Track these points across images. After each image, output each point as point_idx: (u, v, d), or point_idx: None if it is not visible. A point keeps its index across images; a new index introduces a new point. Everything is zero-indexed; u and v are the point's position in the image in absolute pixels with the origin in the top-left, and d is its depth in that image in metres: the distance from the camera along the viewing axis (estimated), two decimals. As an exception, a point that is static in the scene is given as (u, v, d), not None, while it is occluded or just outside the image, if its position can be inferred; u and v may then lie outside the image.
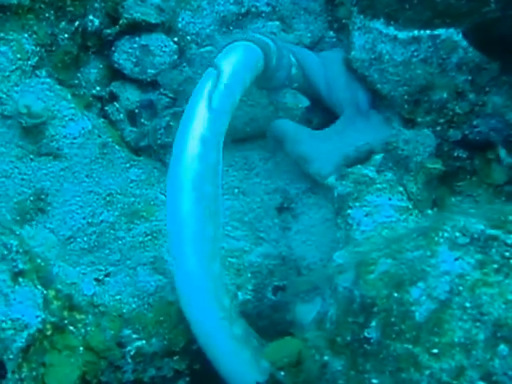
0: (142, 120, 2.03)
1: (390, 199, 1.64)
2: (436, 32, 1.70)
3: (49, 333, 1.52)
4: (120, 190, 1.93)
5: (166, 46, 2.01)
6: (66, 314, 1.59)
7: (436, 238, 1.10)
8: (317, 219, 1.93)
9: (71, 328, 1.58)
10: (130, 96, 2.04)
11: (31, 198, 1.88)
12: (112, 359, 1.63)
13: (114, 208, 1.90)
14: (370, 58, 1.81)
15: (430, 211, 1.65)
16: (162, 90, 2.02)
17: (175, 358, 1.68)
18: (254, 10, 2.04)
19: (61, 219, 1.87)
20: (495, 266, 1.06)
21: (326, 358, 1.14)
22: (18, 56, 1.97)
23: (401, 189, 1.67)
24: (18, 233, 1.60)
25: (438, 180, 1.73)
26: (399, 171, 1.69)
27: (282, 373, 1.30)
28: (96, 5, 2.03)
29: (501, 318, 1.01)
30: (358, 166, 1.73)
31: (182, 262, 1.52)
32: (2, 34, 1.95)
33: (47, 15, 2.01)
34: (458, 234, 1.10)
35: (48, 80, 1.99)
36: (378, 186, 1.66)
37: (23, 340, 1.46)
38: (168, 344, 1.66)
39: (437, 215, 1.48)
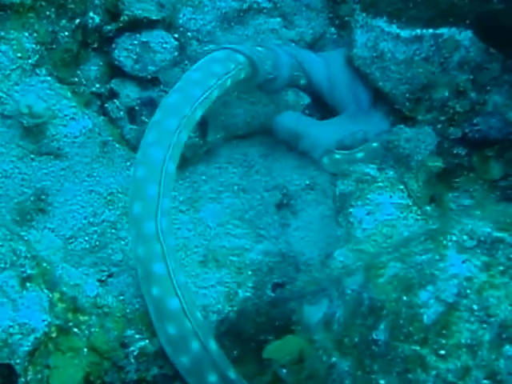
0: (143, 117, 2.04)
1: (391, 197, 1.67)
2: (438, 31, 1.73)
3: (54, 335, 1.54)
4: (121, 189, 1.94)
5: (166, 43, 2.02)
6: (70, 316, 1.60)
7: (444, 242, 1.13)
8: (315, 216, 1.96)
9: (75, 330, 1.59)
10: (131, 93, 2.05)
11: (32, 198, 1.89)
12: (115, 360, 1.64)
13: (115, 207, 1.91)
14: (372, 56, 1.83)
15: (428, 207, 1.69)
16: (162, 87, 2.03)
17: (177, 356, 1.70)
18: (255, 6, 2.06)
19: (62, 219, 1.88)
20: (501, 267, 1.10)
21: (333, 358, 1.17)
22: (19, 55, 1.98)
23: (402, 187, 1.70)
24: (26, 238, 1.61)
25: (436, 177, 1.76)
26: (400, 169, 1.72)
27: (284, 370, 1.33)
28: (96, 1, 2.04)
29: (507, 319, 1.04)
30: (360, 164, 1.76)
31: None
32: (3, 33, 1.95)
33: (48, 13, 2.01)
34: (465, 237, 1.13)
35: (48, 78, 2.00)
36: (380, 184, 1.69)
37: (30, 344, 1.48)
38: (171, 343, 1.68)
39: (444, 218, 1.51)
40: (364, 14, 1.82)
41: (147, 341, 1.66)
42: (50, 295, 1.54)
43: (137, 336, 1.66)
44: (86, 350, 1.59)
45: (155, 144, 1.68)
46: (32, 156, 1.93)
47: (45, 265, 1.57)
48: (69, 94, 2.00)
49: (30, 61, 1.99)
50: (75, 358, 1.57)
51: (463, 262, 1.11)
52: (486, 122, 1.73)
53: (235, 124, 2.02)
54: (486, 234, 1.13)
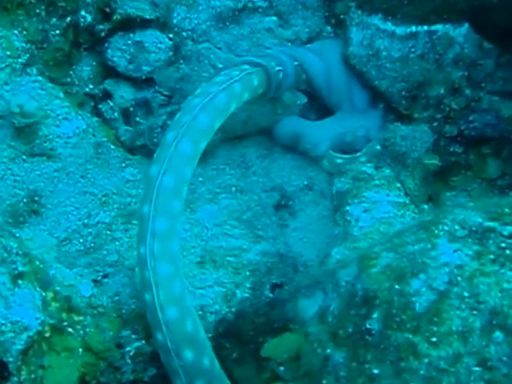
0: (137, 118, 2.08)
1: (387, 195, 1.73)
2: (433, 28, 1.79)
3: (47, 335, 1.57)
4: (116, 190, 1.98)
5: (161, 43, 2.07)
6: (64, 315, 1.62)
7: (436, 231, 1.21)
8: (314, 216, 2.00)
9: (70, 330, 1.62)
10: (125, 94, 2.10)
11: (24, 200, 1.92)
12: (111, 360, 1.68)
13: (110, 208, 1.95)
14: (368, 54, 1.89)
15: (425, 206, 1.76)
16: (157, 87, 2.08)
17: (174, 358, 1.74)
18: (250, 5, 2.10)
19: (55, 221, 1.92)
20: (492, 256, 1.17)
21: (328, 350, 1.24)
22: (8, 53, 2.02)
23: (398, 185, 1.77)
24: (17, 235, 1.63)
25: (433, 175, 1.83)
26: (397, 167, 1.79)
27: (282, 368, 1.39)
28: (88, 0, 2.07)
29: (497, 305, 1.11)
30: (357, 162, 1.82)
31: None
32: (-9, 31, 1.99)
33: (38, 11, 2.05)
34: (457, 226, 1.21)
35: (39, 78, 2.05)
36: (377, 182, 1.76)
37: (23, 342, 1.51)
38: (167, 344, 1.73)
39: (437, 210, 1.58)
40: (359, 12, 1.88)
41: (143, 341, 1.70)
42: (43, 294, 1.57)
43: (133, 336, 1.70)
44: (81, 350, 1.62)
45: (154, 161, 1.62)
46: (24, 157, 1.97)
47: (37, 263, 1.60)
48: (61, 95, 2.04)
49: (20, 60, 2.03)
50: (70, 358, 1.60)
51: (455, 251, 1.18)
52: (481, 119, 1.79)
53: (232, 125, 2.04)
54: (477, 223, 1.20)
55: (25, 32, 2.06)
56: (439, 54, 1.80)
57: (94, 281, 1.78)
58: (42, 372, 1.57)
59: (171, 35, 2.10)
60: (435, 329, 1.14)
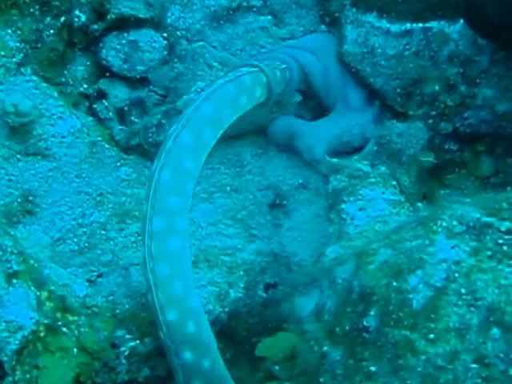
0: (132, 118, 2.08)
1: (383, 193, 1.72)
2: (428, 25, 1.79)
3: (42, 335, 1.56)
4: (111, 190, 1.97)
5: (155, 42, 2.07)
6: (59, 315, 1.62)
7: (434, 227, 1.19)
8: (308, 215, 1.99)
9: (64, 329, 1.62)
10: (119, 93, 2.09)
11: (19, 200, 1.91)
12: (106, 360, 1.67)
13: (104, 208, 1.94)
14: (363, 52, 1.88)
15: (420, 204, 1.75)
16: (151, 86, 2.07)
17: (169, 357, 1.73)
18: (245, 4, 2.10)
19: (50, 221, 1.91)
20: (489, 252, 1.16)
21: (325, 348, 1.23)
22: (2, 53, 2.01)
23: (394, 182, 1.76)
24: (12, 233, 1.64)
25: (428, 173, 1.82)
26: (392, 164, 1.78)
27: (277, 367, 1.38)
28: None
29: (494, 302, 1.10)
30: (352, 159, 1.81)
31: None
32: (-16, 31, 1.98)
33: (32, 10, 2.05)
34: (455, 222, 1.19)
35: (34, 78, 2.04)
36: (372, 179, 1.75)
37: (17, 342, 1.51)
38: (162, 344, 1.72)
39: (435, 205, 1.57)
40: (354, 10, 1.88)
41: (138, 341, 1.69)
42: (38, 293, 1.57)
43: (127, 336, 1.69)
44: (75, 350, 1.62)
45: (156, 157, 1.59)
46: (19, 156, 1.96)
47: (32, 262, 1.60)
48: (55, 94, 2.03)
49: (14, 59, 2.02)
50: (65, 358, 1.60)
51: (452, 247, 1.17)
52: (476, 116, 1.78)
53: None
54: (475, 219, 1.19)
55: (19, 32, 2.05)
56: (434, 51, 1.79)
57: (89, 280, 1.77)
58: (36, 372, 1.57)
59: (166, 34, 2.09)
60: (432, 326, 1.12)
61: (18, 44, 2.04)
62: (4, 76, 2.01)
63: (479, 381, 1.09)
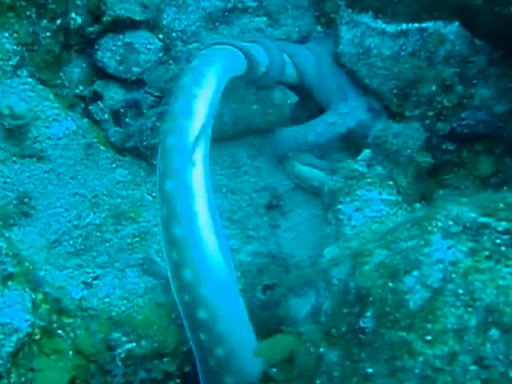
0: (127, 120, 2.07)
1: (380, 193, 1.70)
2: (424, 25, 1.77)
3: (37, 337, 1.55)
4: (106, 192, 1.96)
5: (150, 44, 2.06)
6: (54, 317, 1.61)
7: (430, 228, 1.17)
8: (305, 216, 1.98)
9: (60, 332, 1.61)
10: (115, 95, 2.08)
11: (14, 202, 1.90)
12: (102, 363, 1.66)
13: (100, 210, 1.93)
14: (358, 53, 1.87)
15: (418, 205, 1.73)
16: (147, 88, 2.06)
17: (165, 360, 1.71)
18: (240, 5, 2.09)
19: (45, 223, 1.89)
20: (486, 253, 1.13)
21: (321, 350, 1.20)
22: (-1, 56, 2.01)
23: (391, 183, 1.74)
24: (7, 235, 1.62)
25: (426, 173, 1.80)
26: (389, 165, 1.76)
27: (274, 369, 1.35)
28: (78, 2, 2.06)
29: (492, 303, 1.08)
30: (349, 160, 1.80)
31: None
32: (-19, 34, 1.98)
33: (28, 13, 2.04)
34: (451, 222, 1.17)
35: (30, 80, 2.03)
36: (369, 180, 1.73)
37: (12, 344, 1.49)
38: (158, 346, 1.69)
39: (430, 205, 1.55)
40: (349, 10, 1.87)
41: (134, 343, 1.67)
42: (33, 295, 1.55)
43: (123, 339, 1.68)
44: (71, 352, 1.61)
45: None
46: (14, 158, 1.95)
47: (27, 264, 1.58)
48: (51, 96, 2.02)
49: (10, 62, 2.02)
50: (60, 360, 1.59)
51: (448, 247, 1.14)
52: (473, 116, 1.77)
53: (222, 124, 2.04)
54: (471, 219, 1.17)
55: (15, 34, 2.05)
56: (430, 52, 1.78)
57: (84, 283, 1.75)
58: (31, 375, 1.56)
59: (161, 36, 2.09)
60: (430, 327, 1.10)
61: (15, 47, 2.04)
62: (0, 78, 2.01)
63: (478, 383, 1.06)
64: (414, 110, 1.83)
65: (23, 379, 1.53)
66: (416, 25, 1.78)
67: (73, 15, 2.06)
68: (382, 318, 1.13)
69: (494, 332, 1.07)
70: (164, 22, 2.09)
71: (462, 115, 1.79)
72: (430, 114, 1.82)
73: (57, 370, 1.59)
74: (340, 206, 1.68)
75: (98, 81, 2.11)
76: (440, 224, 1.17)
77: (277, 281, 1.82)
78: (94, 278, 1.78)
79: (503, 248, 1.13)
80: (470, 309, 1.09)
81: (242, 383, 1.60)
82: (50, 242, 1.87)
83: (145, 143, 2.01)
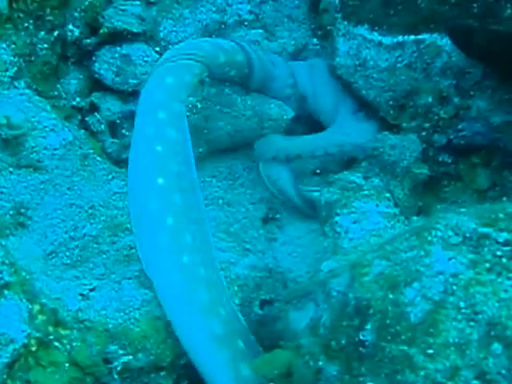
0: (124, 131, 2.06)
1: (377, 205, 1.68)
2: (420, 37, 1.76)
3: (34, 348, 1.52)
4: (102, 203, 1.94)
5: (147, 56, 2.05)
6: (51, 329, 1.58)
7: (429, 238, 1.14)
8: (303, 229, 1.97)
9: (56, 344, 1.58)
10: (111, 107, 2.07)
11: (11, 212, 1.87)
12: (98, 375, 1.62)
13: (96, 221, 1.91)
14: (355, 65, 1.86)
15: (415, 218, 1.70)
16: (143, 100, 2.05)
17: (162, 373, 1.68)
18: (236, 18, 2.09)
19: (42, 234, 1.87)
20: (487, 264, 1.10)
21: (320, 363, 1.17)
22: (-4, 67, 2.00)
23: (388, 195, 1.72)
24: (3, 243, 1.60)
25: (423, 186, 1.78)
26: (386, 177, 1.74)
27: (272, 384, 1.32)
28: (76, 14, 2.05)
29: (494, 316, 1.05)
30: (345, 172, 1.78)
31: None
32: (-20, 45, 1.97)
33: (26, 25, 2.04)
34: (450, 232, 1.14)
35: (27, 91, 2.01)
36: (366, 192, 1.71)
37: (8, 355, 1.46)
38: (155, 359, 1.66)
39: (428, 215, 1.53)
40: (346, 23, 1.85)
41: (131, 356, 1.64)
42: (30, 306, 1.53)
43: (120, 351, 1.65)
44: (67, 364, 1.58)
45: None
46: (11, 169, 1.92)
47: (24, 274, 1.56)
48: (48, 108, 2.01)
49: (7, 73, 2.01)
50: (56, 373, 1.56)
51: (449, 259, 1.12)
52: (470, 128, 1.76)
53: (218, 137, 2.03)
54: (471, 229, 1.14)
55: (13, 45, 2.04)
56: (427, 63, 1.77)
57: (81, 294, 1.72)
58: (27, 387, 1.52)
59: (158, 48, 2.08)
60: (431, 340, 1.07)
61: (12, 58, 2.03)
62: (-2, 89, 1.99)
63: (480, 397, 1.03)
64: (411, 122, 1.81)
65: (19, 391, 1.51)
66: (412, 37, 1.77)
67: (70, 27, 2.06)
68: (382, 330, 1.10)
69: (496, 346, 1.04)
70: (161, 35, 2.08)
71: (459, 127, 1.77)
72: (427, 125, 1.80)
73: (53, 383, 1.56)
74: (337, 218, 1.66)
75: (95, 92, 2.10)
76: (439, 234, 1.14)
77: (275, 296, 1.79)
78: (91, 290, 1.76)
79: (504, 260, 1.10)
80: (471, 322, 1.06)
81: None
82: (47, 252, 1.85)
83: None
